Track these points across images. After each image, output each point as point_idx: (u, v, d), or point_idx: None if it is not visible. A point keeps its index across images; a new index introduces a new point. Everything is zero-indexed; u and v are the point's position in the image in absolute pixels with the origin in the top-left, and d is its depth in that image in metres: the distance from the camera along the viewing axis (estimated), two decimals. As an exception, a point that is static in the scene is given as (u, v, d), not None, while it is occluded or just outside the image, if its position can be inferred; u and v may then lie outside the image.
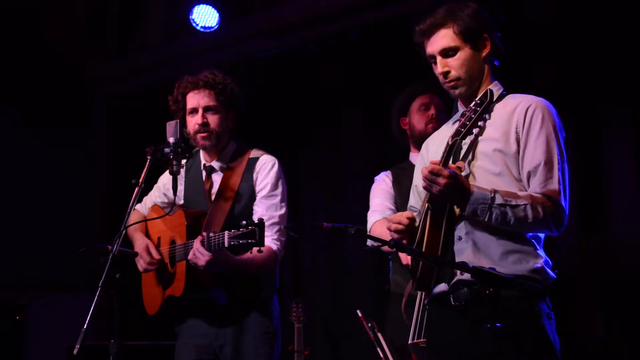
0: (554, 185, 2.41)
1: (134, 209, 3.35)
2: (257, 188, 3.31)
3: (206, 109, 3.32)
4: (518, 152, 2.46)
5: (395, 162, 3.84)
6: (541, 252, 2.46)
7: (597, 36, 4.14)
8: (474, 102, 2.44)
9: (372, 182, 3.81)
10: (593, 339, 3.95)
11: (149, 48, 6.00)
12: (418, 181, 2.59)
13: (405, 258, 3.46)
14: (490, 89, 2.44)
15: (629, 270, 3.90)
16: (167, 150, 3.04)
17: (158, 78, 5.74)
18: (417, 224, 2.50)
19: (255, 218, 3.22)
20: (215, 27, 5.22)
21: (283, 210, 3.29)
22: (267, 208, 3.25)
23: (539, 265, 2.41)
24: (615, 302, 3.90)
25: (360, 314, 3.86)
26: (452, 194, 2.36)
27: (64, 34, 6.02)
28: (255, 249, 2.87)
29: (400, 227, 2.49)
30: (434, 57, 2.59)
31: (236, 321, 3.22)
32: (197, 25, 5.22)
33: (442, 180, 2.33)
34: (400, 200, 3.61)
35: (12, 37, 5.75)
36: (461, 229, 2.45)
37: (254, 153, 3.40)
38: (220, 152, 3.40)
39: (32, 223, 5.58)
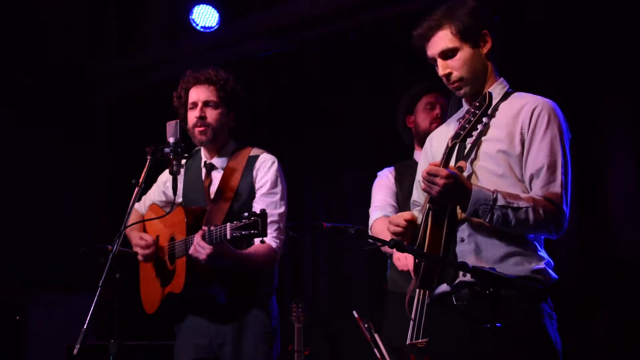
0: (557, 188, 2.40)
1: (133, 208, 3.36)
2: (257, 185, 3.31)
3: (205, 104, 3.33)
4: (522, 153, 2.45)
5: (396, 161, 3.85)
6: (543, 253, 2.46)
7: (597, 36, 4.14)
8: (473, 105, 2.44)
9: (372, 181, 3.81)
10: (593, 339, 3.95)
11: (149, 48, 6.00)
12: (421, 176, 2.58)
13: (401, 264, 3.46)
14: (489, 92, 2.43)
15: (629, 270, 3.90)
16: (167, 150, 3.05)
17: (158, 78, 5.75)
18: (419, 222, 2.50)
19: (255, 212, 3.23)
20: (215, 27, 5.22)
21: (282, 209, 3.29)
22: (266, 206, 3.24)
23: (541, 266, 2.41)
24: (616, 302, 3.90)
25: (356, 315, 3.85)
26: (451, 194, 2.36)
27: (64, 34, 6.02)
28: (257, 240, 2.86)
29: (398, 229, 2.49)
30: (435, 60, 2.58)
31: (235, 320, 3.22)
32: (197, 25, 5.22)
33: (440, 181, 2.33)
34: (402, 197, 3.63)
35: (12, 37, 5.75)
36: (463, 231, 2.45)
37: (254, 151, 3.41)
38: (219, 149, 3.40)
39: (32, 223, 5.58)
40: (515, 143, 2.45)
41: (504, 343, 2.19)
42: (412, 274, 2.58)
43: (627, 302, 3.86)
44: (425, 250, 2.41)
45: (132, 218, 3.49)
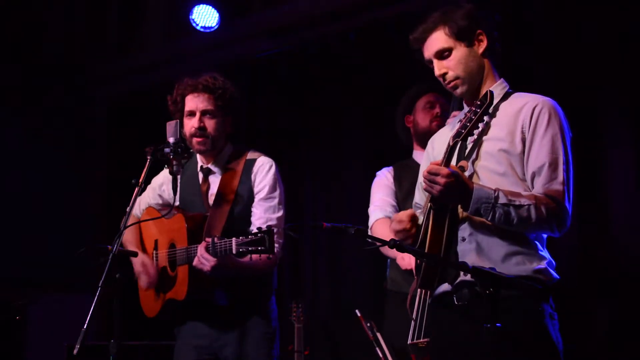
0: (558, 186, 2.40)
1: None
2: (256, 190, 3.31)
3: (204, 113, 3.31)
4: (523, 152, 2.45)
5: (396, 161, 3.84)
6: (544, 253, 2.46)
7: (597, 36, 4.14)
8: (474, 104, 2.44)
9: (372, 181, 3.81)
10: (594, 339, 3.95)
11: (149, 48, 5.99)
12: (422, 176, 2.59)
13: (405, 264, 3.46)
14: (490, 90, 2.44)
15: (630, 270, 3.90)
16: (167, 150, 3.04)
17: (158, 78, 5.74)
18: (420, 221, 2.50)
19: (253, 220, 3.23)
20: (215, 27, 5.21)
21: (281, 213, 3.29)
22: (265, 210, 3.25)
23: (542, 266, 2.41)
24: (616, 302, 3.90)
25: (359, 314, 3.85)
26: (453, 193, 2.36)
27: (64, 34, 6.01)
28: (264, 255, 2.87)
29: (401, 225, 2.50)
30: (431, 62, 2.61)
31: (236, 322, 3.22)
32: (197, 25, 5.21)
33: (441, 180, 2.33)
34: (401, 197, 3.63)
35: (12, 37, 5.75)
36: (465, 230, 2.45)
37: (250, 155, 3.40)
38: (217, 154, 3.39)
39: (32, 223, 5.58)
40: (516, 142, 2.45)
41: (505, 343, 2.19)
42: (414, 274, 2.58)
43: (628, 302, 3.86)
44: (426, 250, 2.41)
45: (130, 220, 3.47)
